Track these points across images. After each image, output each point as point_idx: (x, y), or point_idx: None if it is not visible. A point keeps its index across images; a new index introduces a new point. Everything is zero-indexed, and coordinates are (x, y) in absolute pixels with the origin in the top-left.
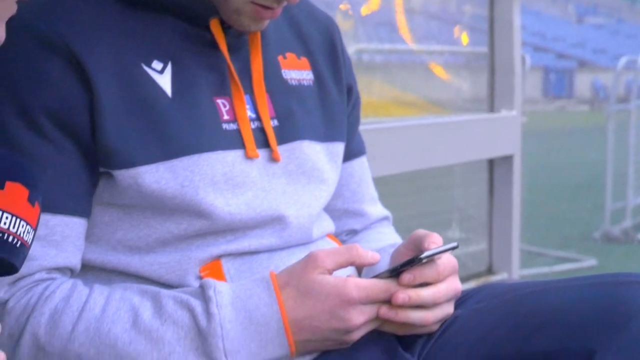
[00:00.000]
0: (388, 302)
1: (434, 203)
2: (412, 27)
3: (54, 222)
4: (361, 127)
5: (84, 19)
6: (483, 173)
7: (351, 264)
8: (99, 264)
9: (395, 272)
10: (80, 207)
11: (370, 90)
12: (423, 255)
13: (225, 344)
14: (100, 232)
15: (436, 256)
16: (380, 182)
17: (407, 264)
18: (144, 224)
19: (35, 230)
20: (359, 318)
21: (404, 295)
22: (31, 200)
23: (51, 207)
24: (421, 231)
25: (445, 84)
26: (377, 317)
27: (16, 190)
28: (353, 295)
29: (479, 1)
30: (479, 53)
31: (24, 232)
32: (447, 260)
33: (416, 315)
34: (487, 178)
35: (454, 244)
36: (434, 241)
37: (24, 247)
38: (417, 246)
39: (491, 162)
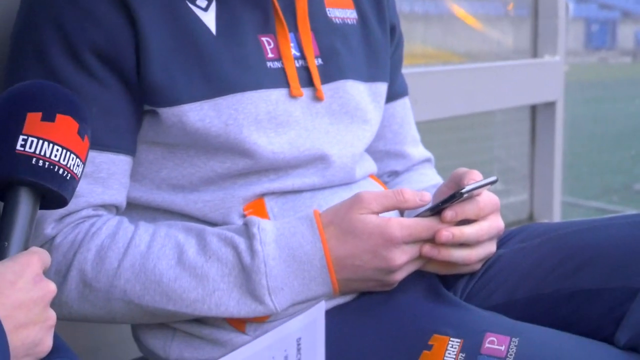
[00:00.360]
0: (431, 240)
1: (474, 154)
2: None
3: (100, 159)
4: (403, 71)
5: None
6: (524, 123)
7: (397, 207)
8: (143, 202)
9: (436, 210)
10: (125, 144)
11: (410, 43)
12: (463, 190)
13: (269, 281)
14: (145, 170)
15: (476, 192)
16: (420, 130)
17: (447, 201)
18: (188, 162)
19: (84, 164)
20: (402, 257)
21: (447, 233)
22: (81, 133)
23: (97, 144)
24: (461, 169)
25: (485, 36)
26: (420, 257)
27: (67, 123)
28: (396, 235)
29: None
30: (521, 0)
31: (73, 165)
32: (489, 198)
33: (459, 254)
34: (529, 126)
35: (493, 178)
36: (474, 177)
37: (74, 180)
38: (458, 184)
39: (533, 109)
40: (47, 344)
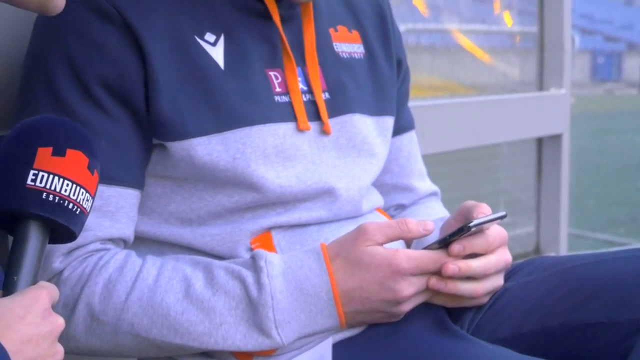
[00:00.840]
0: (438, 273)
1: (480, 185)
2: (457, 9)
3: (108, 193)
4: (410, 104)
5: None
6: (530, 155)
7: (401, 238)
8: (151, 235)
9: (444, 243)
10: (134, 178)
11: (417, 75)
12: (472, 224)
13: (276, 315)
14: (153, 204)
15: (485, 226)
16: (427, 163)
17: (456, 234)
18: (196, 196)
19: (93, 198)
20: (409, 289)
21: (453, 266)
22: (91, 168)
23: (106, 178)
24: (470, 202)
25: (491, 68)
26: (427, 289)
27: (77, 158)
28: (403, 266)
29: None
30: (527, 33)
31: (83, 200)
32: (497, 231)
33: (466, 287)
34: (535, 158)
35: (502, 213)
36: (483, 211)
37: (83, 215)
38: (466, 217)
39: (540, 142)
40: None
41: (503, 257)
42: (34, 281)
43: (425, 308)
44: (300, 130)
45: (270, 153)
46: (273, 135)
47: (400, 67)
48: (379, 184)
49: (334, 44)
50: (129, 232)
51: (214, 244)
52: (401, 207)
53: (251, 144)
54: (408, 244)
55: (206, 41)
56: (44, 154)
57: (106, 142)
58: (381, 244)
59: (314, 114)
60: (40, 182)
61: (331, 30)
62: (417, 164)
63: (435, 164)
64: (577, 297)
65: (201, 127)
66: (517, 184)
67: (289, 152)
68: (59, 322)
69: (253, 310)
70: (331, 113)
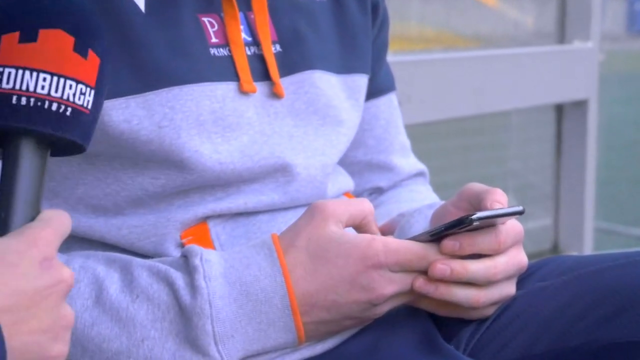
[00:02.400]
0: (426, 272)
1: (483, 166)
2: None
3: None
4: (393, 60)
5: None
6: (547, 127)
7: (364, 216)
8: None
9: (437, 235)
10: None
11: (405, 23)
12: (475, 216)
13: (215, 327)
14: (58, 187)
15: (496, 221)
16: (414, 135)
17: (453, 226)
18: (112, 177)
19: (95, 88)
20: (387, 288)
21: (443, 267)
22: (79, 49)
23: None
24: (477, 185)
25: (499, 15)
26: (411, 290)
27: (55, 40)
28: (379, 259)
29: None
30: None
31: (74, 95)
32: (511, 226)
33: (463, 294)
34: (553, 131)
35: (519, 208)
36: (497, 199)
37: (81, 114)
38: (472, 204)
39: (560, 109)
40: (60, 350)
41: (516, 259)
42: (35, 214)
43: (410, 321)
44: (243, 92)
45: (206, 120)
46: (209, 97)
47: (376, 13)
48: (349, 162)
49: None
50: None
51: (133, 238)
52: (378, 191)
53: (181, 109)
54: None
55: None
56: (9, 42)
57: None
58: (345, 224)
59: (262, 72)
60: (8, 83)
61: None
62: (398, 135)
63: (424, 137)
64: (604, 309)
65: (117, 87)
66: (530, 165)
67: (230, 119)
68: (64, 274)
69: (185, 322)
70: (284, 70)
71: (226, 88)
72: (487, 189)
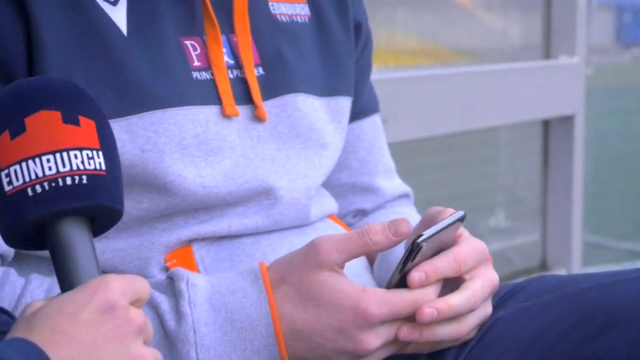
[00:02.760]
0: (410, 318)
1: (472, 180)
2: None
3: None
4: (378, 77)
5: None
6: (535, 141)
7: (366, 253)
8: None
9: (404, 270)
10: None
11: (389, 36)
12: (421, 239)
13: (200, 354)
14: None
15: (452, 236)
16: (401, 152)
17: (409, 256)
18: None
19: (101, 149)
20: (375, 341)
21: (430, 310)
22: (69, 118)
23: None
24: (434, 209)
25: (488, 28)
26: (396, 340)
27: (43, 122)
28: (372, 312)
29: None
30: None
31: (82, 163)
32: (470, 245)
33: (445, 331)
34: (540, 147)
35: (459, 213)
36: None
37: (98, 178)
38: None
39: (546, 125)
40: None
41: (488, 280)
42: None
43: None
44: (226, 115)
45: (190, 144)
46: (192, 121)
47: (359, 32)
48: (333, 184)
49: (269, 4)
50: (5, 247)
51: (117, 261)
52: (362, 213)
53: (165, 133)
54: (371, 257)
55: None
56: (2, 144)
57: None
58: (341, 265)
59: (244, 95)
60: (17, 180)
61: None
62: (382, 157)
63: (411, 152)
64: (589, 327)
65: None
66: (518, 179)
67: (213, 143)
68: (132, 314)
69: (169, 347)
70: (267, 94)
71: (209, 112)
72: (440, 210)
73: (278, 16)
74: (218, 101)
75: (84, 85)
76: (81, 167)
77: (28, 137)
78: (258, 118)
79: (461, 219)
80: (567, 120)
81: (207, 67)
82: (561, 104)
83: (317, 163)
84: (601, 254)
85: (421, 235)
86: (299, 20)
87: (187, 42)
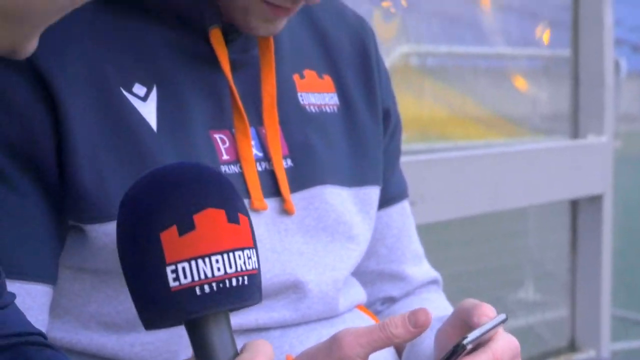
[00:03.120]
0: None
1: (500, 255)
2: (474, 20)
3: (11, 290)
4: (406, 158)
5: (53, 27)
6: (564, 217)
7: (387, 345)
8: (66, 343)
9: None
10: (44, 271)
11: (421, 101)
12: (467, 341)
13: None
14: (69, 304)
15: (488, 335)
16: (430, 226)
17: (452, 355)
18: (124, 294)
19: (254, 246)
20: None
21: None
22: (232, 218)
23: (9, 270)
24: (467, 302)
25: (518, 95)
26: None
27: (209, 221)
28: None
29: None
30: (559, 57)
31: (244, 263)
32: (507, 343)
33: None
34: (569, 223)
35: (502, 317)
36: (485, 313)
37: (255, 277)
38: (466, 322)
39: (574, 204)
40: None
41: None
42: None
43: None
44: (254, 209)
45: None
46: None
47: (388, 120)
48: (361, 271)
49: (298, 94)
50: (52, 269)
51: (146, 355)
52: (390, 301)
53: None
54: (399, 347)
55: (134, 95)
56: (169, 238)
57: (7, 222)
58: (365, 358)
59: (273, 188)
60: (185, 278)
61: (295, 76)
62: (410, 244)
63: (439, 227)
64: None
65: None
66: (547, 254)
67: None
68: None
69: None
70: (295, 185)
71: None
72: (475, 305)
73: (307, 107)
74: (246, 195)
75: (112, 187)
76: (243, 267)
77: (197, 235)
78: (286, 211)
79: (503, 322)
80: (595, 200)
81: (236, 160)
82: (589, 184)
83: (344, 255)
84: (630, 330)
85: (466, 337)
86: (328, 110)
87: (216, 136)
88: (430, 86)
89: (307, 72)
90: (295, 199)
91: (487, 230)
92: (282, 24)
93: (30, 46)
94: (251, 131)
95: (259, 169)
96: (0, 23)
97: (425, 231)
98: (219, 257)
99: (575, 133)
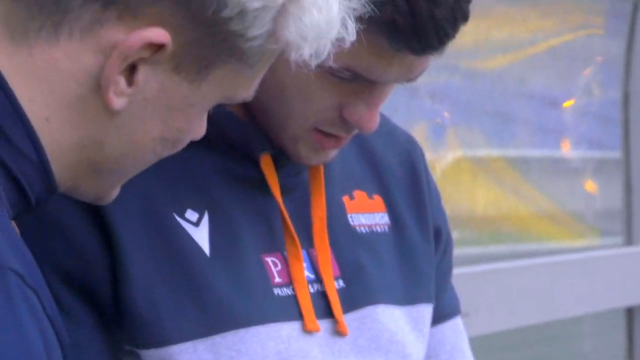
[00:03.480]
0: None
1: (556, 359)
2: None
3: None
4: (458, 271)
5: None
6: (619, 330)
7: None
8: None
9: None
10: None
11: (474, 197)
12: None
13: None
14: None
15: None
16: (483, 346)
17: None
18: None
19: None
20: None
21: None
22: None
23: None
24: None
25: (572, 189)
26: None
27: None
28: None
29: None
30: (606, 161)
31: None
32: None
33: None
34: (624, 329)
35: None
36: None
37: None
38: None
39: (630, 311)
40: None
41: None
42: None
43: None
44: (307, 331)
45: None
46: (274, 339)
47: (439, 238)
48: None
49: (348, 215)
50: None
51: None
52: None
53: (247, 352)
54: None
55: (187, 220)
56: None
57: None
58: None
59: (325, 310)
60: None
61: (345, 198)
62: None
63: (493, 348)
64: None
65: (184, 330)
66: (604, 357)
67: (295, 359)
68: None
69: None
70: (347, 306)
71: (290, 328)
72: None
73: (357, 227)
74: (299, 317)
75: (166, 311)
76: None
77: None
78: (339, 333)
79: None
80: None
81: (289, 282)
82: None
83: None
84: None
85: None
86: (379, 230)
87: (268, 259)
88: (483, 181)
89: (357, 193)
90: (348, 320)
91: (542, 335)
92: (333, 153)
93: (114, 193)
94: (302, 253)
95: (311, 290)
96: (92, 176)
97: (478, 352)
98: None
99: (629, 239)
